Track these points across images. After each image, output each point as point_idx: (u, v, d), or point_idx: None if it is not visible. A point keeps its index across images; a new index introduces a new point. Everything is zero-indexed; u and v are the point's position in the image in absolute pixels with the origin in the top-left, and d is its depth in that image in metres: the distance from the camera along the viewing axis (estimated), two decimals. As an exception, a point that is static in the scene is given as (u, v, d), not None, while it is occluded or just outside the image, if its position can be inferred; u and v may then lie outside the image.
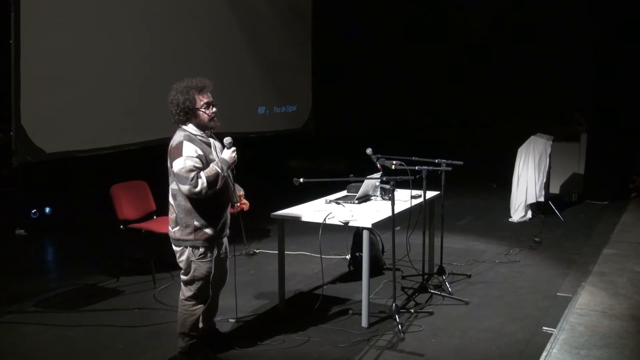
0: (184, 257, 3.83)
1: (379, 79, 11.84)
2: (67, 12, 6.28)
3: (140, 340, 4.35)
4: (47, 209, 7.62)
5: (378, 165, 4.89)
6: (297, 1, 10.27)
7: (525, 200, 7.96)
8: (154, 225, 5.64)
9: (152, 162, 7.59)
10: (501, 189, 9.41)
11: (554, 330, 4.40)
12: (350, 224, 4.56)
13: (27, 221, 7.38)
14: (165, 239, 5.63)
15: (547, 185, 8.21)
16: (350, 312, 4.78)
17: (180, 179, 3.64)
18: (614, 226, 7.47)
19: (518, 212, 8.02)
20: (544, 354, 4.00)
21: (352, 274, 5.71)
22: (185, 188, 3.63)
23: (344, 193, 5.49)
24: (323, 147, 11.57)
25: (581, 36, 9.87)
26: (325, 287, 5.24)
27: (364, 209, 4.93)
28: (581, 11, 9.83)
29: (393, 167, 4.79)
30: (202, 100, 3.75)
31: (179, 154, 3.64)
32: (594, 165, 9.42)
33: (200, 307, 3.95)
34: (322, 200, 5.24)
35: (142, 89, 7.14)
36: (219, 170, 3.69)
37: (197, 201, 3.70)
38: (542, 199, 8.02)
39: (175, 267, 5.89)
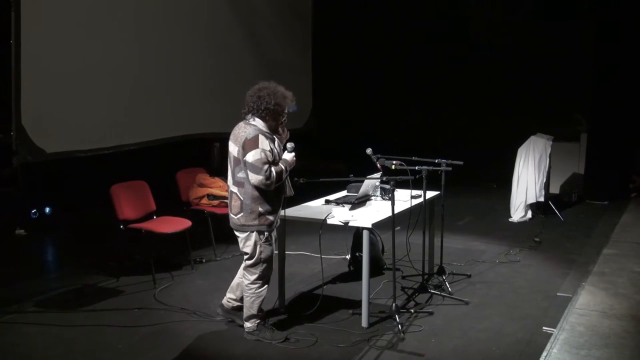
0: (250, 242, 4.21)
1: (379, 78, 11.84)
2: (67, 12, 6.28)
3: (140, 340, 4.35)
4: (47, 209, 7.62)
5: (378, 165, 4.89)
6: (297, 1, 10.27)
7: (525, 200, 7.96)
8: (154, 225, 5.64)
9: (152, 162, 7.65)
10: (501, 189, 9.41)
11: (554, 330, 4.40)
12: (350, 224, 4.56)
13: (27, 221, 7.37)
14: (165, 239, 5.67)
15: (547, 185, 8.21)
16: (350, 312, 4.77)
17: (254, 169, 4.03)
18: (614, 226, 7.47)
19: (518, 212, 8.02)
20: (544, 354, 4.00)
21: (352, 274, 5.70)
22: (258, 178, 4.03)
23: (344, 193, 5.49)
24: (323, 147, 11.57)
25: (581, 36, 9.87)
26: (325, 287, 5.23)
27: (364, 209, 4.93)
28: (581, 11, 9.83)
29: (393, 167, 4.79)
30: (285, 112, 4.24)
31: (255, 146, 4.05)
32: (594, 165, 9.42)
33: (265, 288, 4.33)
34: (322, 200, 5.24)
35: (143, 90, 7.14)
36: (284, 169, 4.16)
37: (262, 190, 4.10)
38: (542, 199, 8.02)
39: (175, 267, 5.90)
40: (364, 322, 4.51)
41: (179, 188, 6.50)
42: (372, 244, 5.39)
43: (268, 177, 4.01)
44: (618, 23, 9.08)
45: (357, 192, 5.19)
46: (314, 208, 4.97)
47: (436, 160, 5.17)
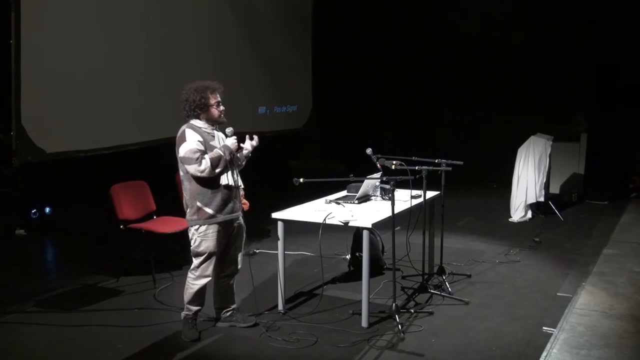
0: (191, 234, 4.29)
1: (379, 79, 11.84)
2: (67, 12, 6.28)
3: (140, 340, 4.35)
4: (47, 209, 7.62)
5: (378, 165, 4.89)
6: (297, 1, 10.27)
7: (525, 200, 7.96)
8: (154, 225, 5.64)
9: (152, 162, 7.65)
10: (501, 189, 9.41)
11: (554, 330, 4.40)
12: (350, 224, 4.56)
13: (27, 221, 7.37)
14: (165, 238, 5.67)
15: (547, 185, 8.21)
16: (350, 312, 4.77)
17: (186, 160, 4.12)
18: (614, 226, 7.46)
19: (518, 212, 8.02)
20: (544, 354, 4.00)
21: (352, 274, 5.70)
22: (191, 168, 4.11)
23: (344, 193, 5.49)
24: (323, 147, 11.57)
25: (581, 36, 9.87)
26: (325, 287, 5.24)
27: (364, 209, 4.93)
28: (581, 11, 9.83)
29: (393, 167, 4.79)
30: (214, 99, 4.25)
31: (184, 140, 4.14)
32: (594, 165, 9.42)
33: (199, 283, 4.30)
34: (322, 200, 5.24)
35: (143, 89, 7.14)
36: (222, 154, 4.15)
37: (201, 183, 4.15)
38: (542, 199, 8.02)
39: (175, 267, 5.91)
40: (364, 322, 4.51)
41: (179, 188, 6.49)
42: (372, 244, 5.38)
43: (200, 164, 4.06)
44: (618, 23, 9.07)
45: (357, 192, 5.19)
46: (314, 208, 4.97)
47: (436, 160, 5.17)
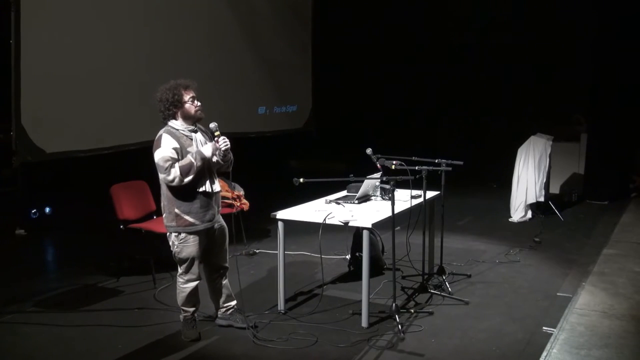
0: (170, 241, 4.25)
1: (379, 78, 11.84)
2: (67, 12, 6.30)
3: (140, 340, 4.35)
4: (47, 209, 7.62)
5: (378, 165, 4.89)
6: (297, 1, 10.28)
7: (525, 200, 7.96)
8: (154, 225, 5.63)
9: (152, 162, 7.65)
10: (501, 189, 9.41)
11: (554, 330, 4.40)
12: (350, 224, 4.56)
13: (27, 221, 7.37)
14: (165, 238, 5.67)
15: (547, 185, 8.21)
16: (350, 312, 4.77)
17: (158, 168, 4.05)
18: (614, 226, 7.46)
19: (518, 212, 8.02)
20: (544, 354, 4.00)
21: (352, 274, 5.70)
22: (161, 176, 4.06)
23: (344, 193, 5.49)
24: (323, 147, 11.57)
25: (581, 36, 9.88)
26: (325, 287, 5.24)
27: (364, 209, 4.94)
28: (581, 10, 9.84)
29: (393, 167, 4.79)
30: (188, 95, 4.14)
31: (159, 145, 4.04)
32: (594, 165, 9.42)
33: (188, 286, 4.31)
34: (322, 200, 5.24)
35: (142, 89, 7.13)
36: (193, 161, 4.02)
37: (177, 190, 4.07)
38: (542, 199, 8.02)
39: (175, 267, 5.90)
40: (364, 322, 4.51)
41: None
42: (372, 244, 5.39)
43: (169, 174, 3.96)
44: (618, 23, 9.07)
45: (357, 192, 5.19)
46: (314, 208, 4.97)
47: (436, 160, 5.16)
